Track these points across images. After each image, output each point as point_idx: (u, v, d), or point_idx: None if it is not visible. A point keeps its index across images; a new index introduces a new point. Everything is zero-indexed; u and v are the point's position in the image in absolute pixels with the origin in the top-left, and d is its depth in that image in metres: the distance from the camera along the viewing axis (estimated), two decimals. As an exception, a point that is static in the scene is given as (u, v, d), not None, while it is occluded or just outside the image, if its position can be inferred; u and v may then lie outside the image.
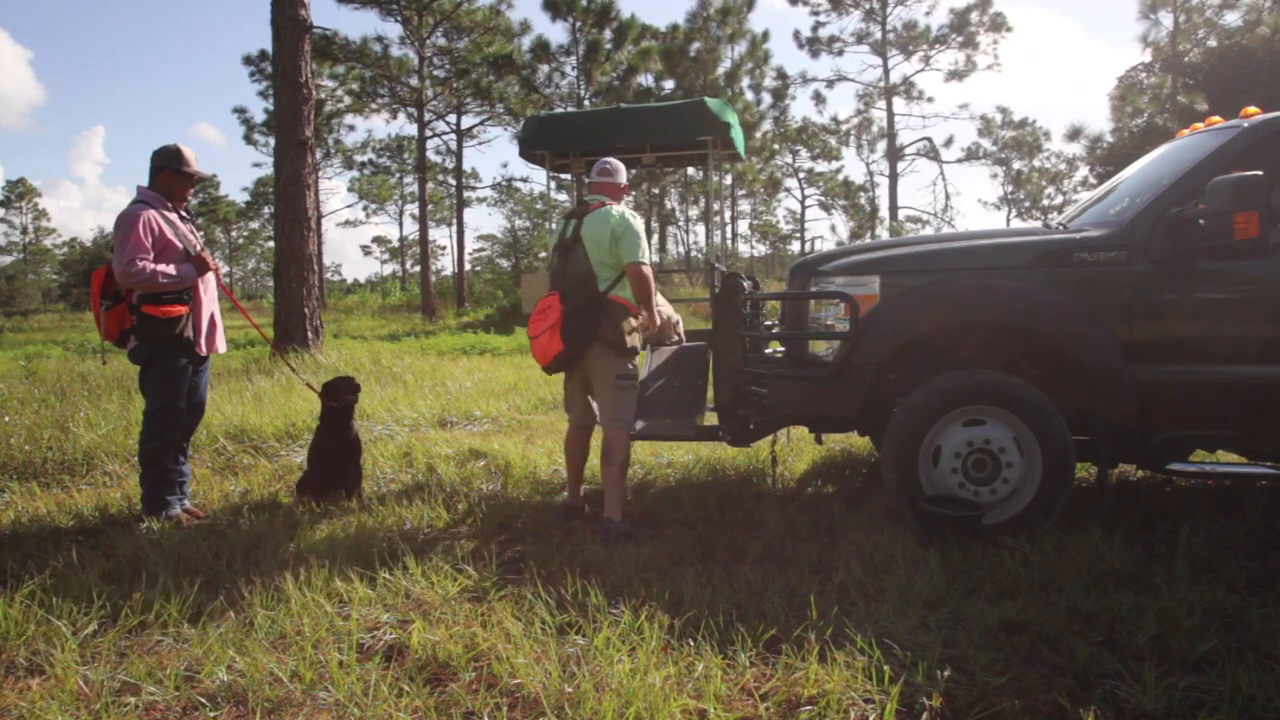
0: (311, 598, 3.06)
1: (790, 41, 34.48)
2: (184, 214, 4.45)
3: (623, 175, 4.29)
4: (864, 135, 36.74)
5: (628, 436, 4.09)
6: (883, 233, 35.51)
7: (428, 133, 29.32)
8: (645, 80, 27.53)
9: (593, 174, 4.29)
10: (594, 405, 4.20)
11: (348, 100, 29.82)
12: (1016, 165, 39.34)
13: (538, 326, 4.00)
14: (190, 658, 2.66)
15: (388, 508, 4.33)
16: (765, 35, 30.73)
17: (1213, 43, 27.13)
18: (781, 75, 33.50)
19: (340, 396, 4.62)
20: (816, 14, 33.42)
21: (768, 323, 5.07)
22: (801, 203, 43.35)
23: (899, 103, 34.41)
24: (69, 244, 56.35)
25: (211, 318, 4.46)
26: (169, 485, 4.31)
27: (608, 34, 26.81)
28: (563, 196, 31.87)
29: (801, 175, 41.91)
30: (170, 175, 4.34)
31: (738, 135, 5.83)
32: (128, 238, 4.09)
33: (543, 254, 36.09)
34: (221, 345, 4.57)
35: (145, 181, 4.38)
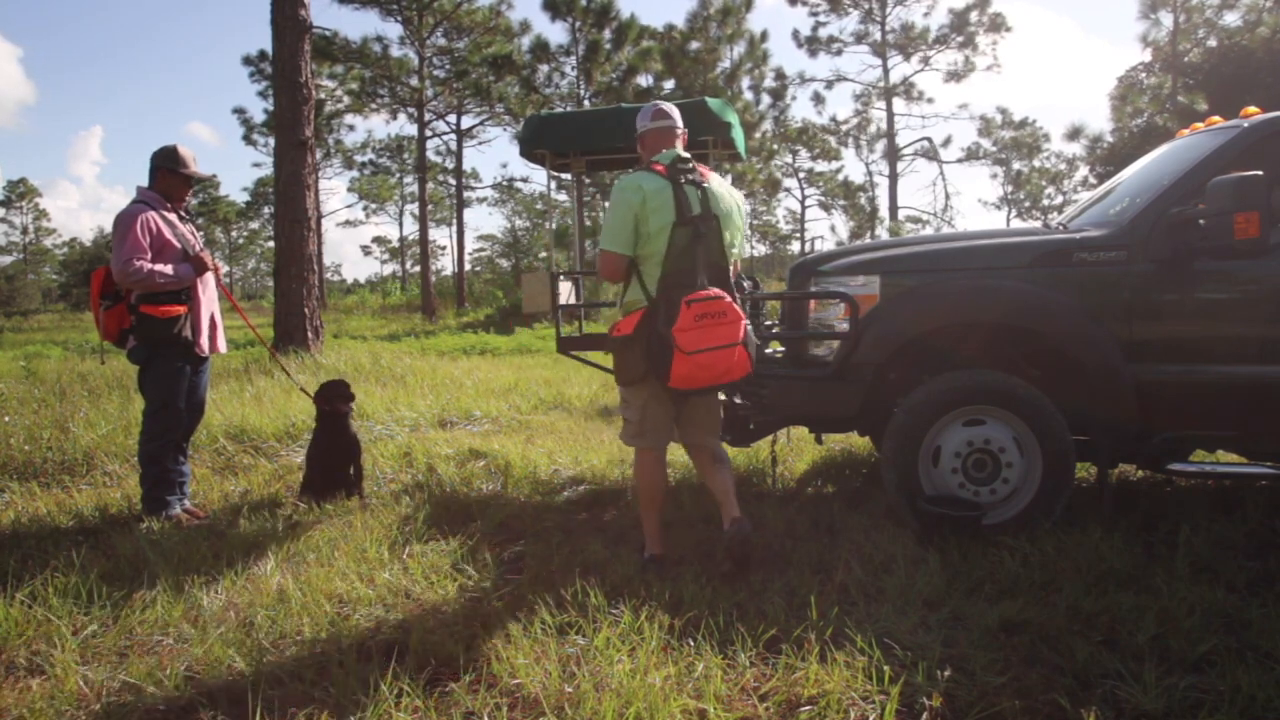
0: (311, 598, 3.06)
1: (789, 42, 34.53)
2: (183, 214, 4.45)
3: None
4: (863, 135, 36.77)
5: None
6: (883, 233, 35.52)
7: (428, 133, 29.34)
8: (645, 80, 27.53)
9: (655, 120, 3.35)
10: (679, 424, 3.47)
11: (348, 100, 29.83)
12: (1016, 165, 39.36)
13: (717, 334, 3.06)
14: (190, 658, 2.65)
15: (388, 508, 4.33)
16: (764, 35, 30.71)
17: (1213, 43, 27.13)
18: (781, 76, 33.51)
19: (333, 402, 4.61)
20: (815, 14, 33.46)
21: (768, 323, 5.07)
22: (801, 203, 43.36)
23: (898, 103, 34.44)
24: (69, 244, 56.39)
25: (211, 318, 4.46)
26: (169, 485, 4.31)
27: (607, 34, 26.80)
28: (563, 196, 31.88)
29: (801, 175, 41.92)
30: (168, 176, 4.35)
31: (738, 135, 5.83)
32: (125, 238, 4.10)
33: (543, 254, 36.10)
34: (222, 345, 4.57)
35: (144, 181, 4.40)
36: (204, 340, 4.39)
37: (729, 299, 3.14)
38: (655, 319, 3.12)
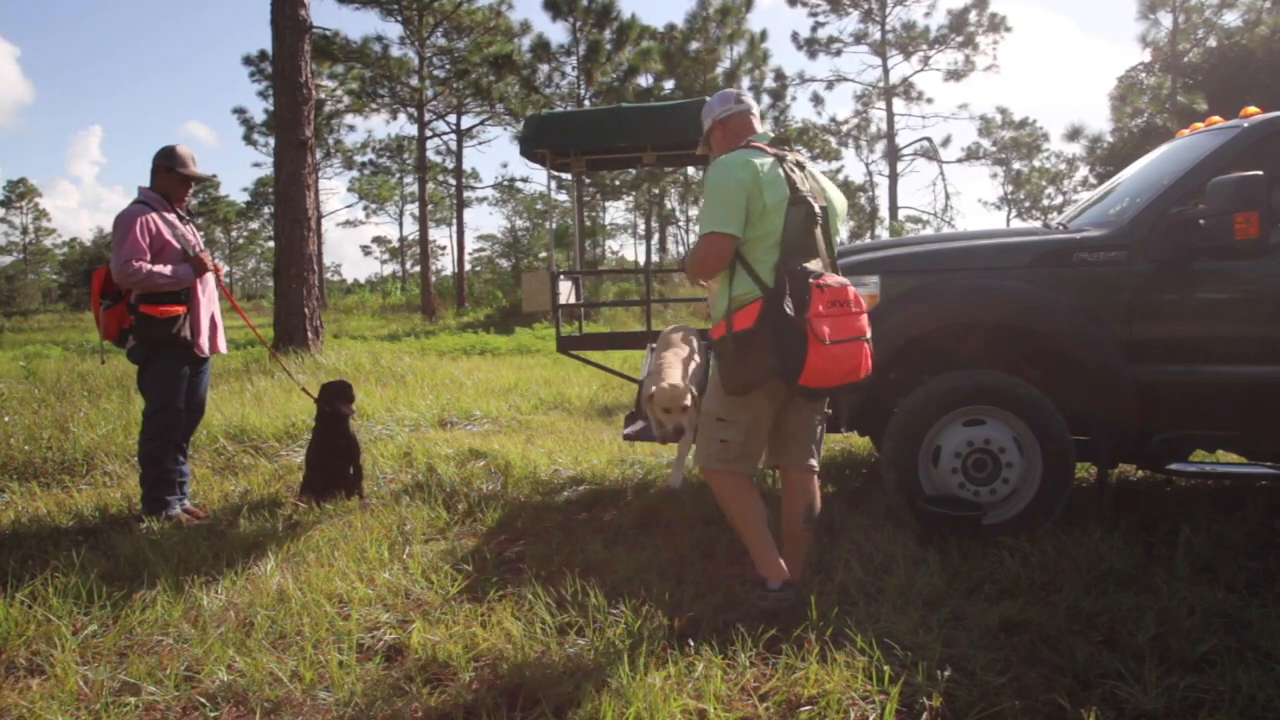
0: (311, 598, 3.06)
1: (789, 42, 34.55)
2: (183, 214, 4.45)
3: None
4: (863, 135, 36.76)
5: None
6: (883, 233, 35.51)
7: (428, 133, 29.34)
8: (645, 80, 27.55)
9: (738, 105, 3.10)
10: (786, 441, 3.06)
11: (348, 100, 29.83)
12: (1016, 165, 39.37)
13: (850, 324, 2.78)
14: (190, 658, 2.66)
15: (388, 508, 4.33)
16: (764, 35, 30.72)
17: (1212, 43, 27.12)
18: (780, 76, 33.51)
19: (334, 403, 4.60)
20: (815, 14, 33.44)
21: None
22: (801, 203, 43.27)
23: (898, 103, 34.43)
24: (69, 244, 56.40)
25: (212, 318, 4.46)
26: (169, 485, 4.31)
27: (608, 34, 26.83)
28: (563, 196, 31.88)
29: (801, 175, 41.84)
30: (167, 176, 4.36)
31: (738, 135, 5.82)
32: (124, 238, 4.11)
33: (543, 254, 36.08)
34: (222, 346, 4.57)
35: (145, 181, 4.41)
36: (204, 340, 4.38)
37: (852, 289, 2.85)
38: (779, 307, 2.73)
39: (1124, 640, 2.63)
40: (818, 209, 2.88)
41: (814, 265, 2.82)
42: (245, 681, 2.49)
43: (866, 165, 41.29)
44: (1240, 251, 3.38)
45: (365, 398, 7.12)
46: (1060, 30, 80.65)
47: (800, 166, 2.94)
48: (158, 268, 4.16)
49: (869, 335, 2.87)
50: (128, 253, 4.09)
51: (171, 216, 4.33)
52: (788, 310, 2.71)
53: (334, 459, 4.56)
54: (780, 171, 2.84)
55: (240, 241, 60.41)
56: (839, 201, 3.06)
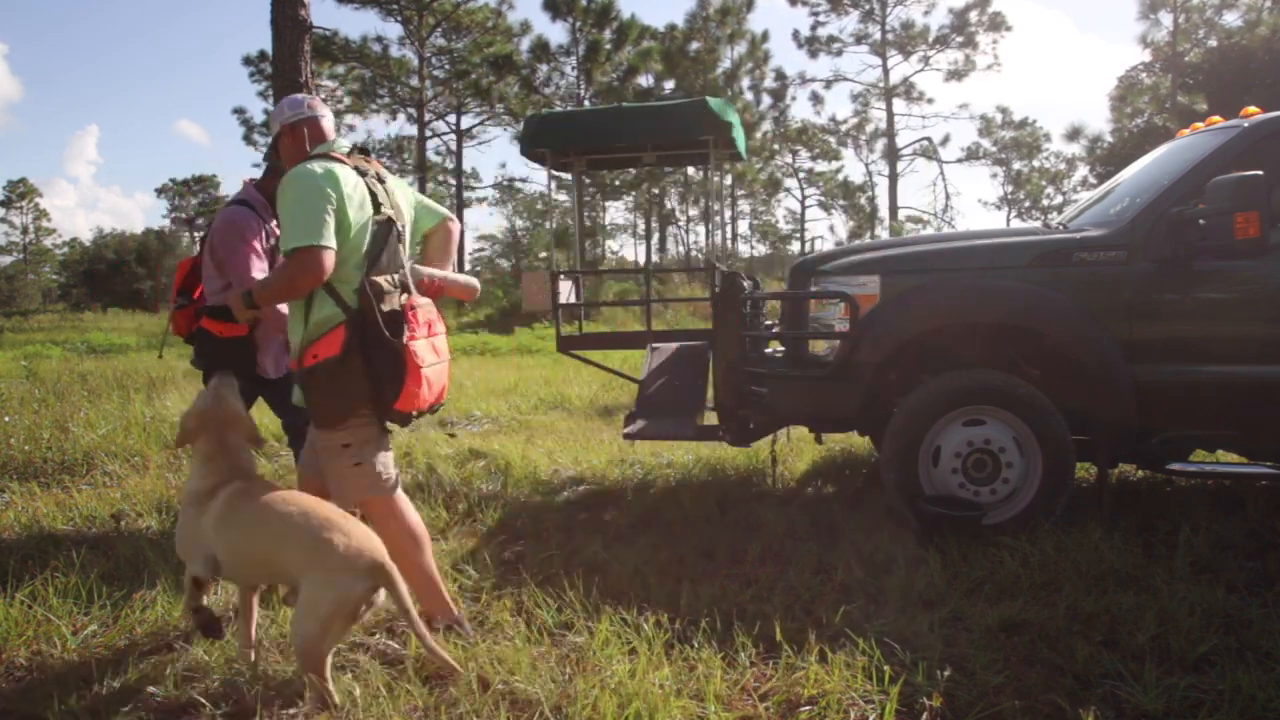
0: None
1: (790, 42, 34.53)
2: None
3: None
4: (863, 135, 36.77)
5: None
6: (883, 233, 35.51)
7: (427, 133, 29.37)
8: (645, 80, 27.56)
9: (313, 110, 2.93)
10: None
11: (348, 100, 29.83)
12: (1016, 165, 39.35)
13: (441, 348, 2.84)
14: (190, 658, 2.65)
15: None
16: (765, 35, 30.81)
17: (1213, 43, 27.14)
18: (781, 76, 33.53)
19: None
20: (815, 14, 33.45)
21: (768, 323, 5.08)
22: (801, 203, 43.31)
23: (898, 103, 34.44)
24: (69, 244, 56.35)
25: (283, 339, 3.89)
26: None
27: (608, 34, 26.85)
28: (563, 196, 31.86)
29: (801, 175, 41.89)
30: (278, 179, 3.90)
31: (739, 135, 5.83)
32: (236, 253, 3.56)
33: (543, 254, 36.07)
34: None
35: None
36: (269, 361, 3.82)
37: (435, 310, 2.80)
38: (368, 331, 2.60)
39: (1124, 640, 2.62)
40: (400, 226, 2.78)
41: (402, 285, 2.72)
42: (245, 681, 2.49)
43: (866, 165, 41.18)
44: (1240, 251, 3.39)
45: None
46: (1057, 28, 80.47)
47: (381, 180, 2.81)
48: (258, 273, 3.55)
49: (449, 358, 2.84)
50: (251, 268, 3.51)
51: (273, 225, 3.80)
52: (384, 334, 2.58)
53: None
54: (364, 186, 2.71)
55: (240, 241, 60.27)
56: (416, 215, 2.96)
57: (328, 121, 2.94)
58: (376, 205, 2.70)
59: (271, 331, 3.70)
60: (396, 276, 2.72)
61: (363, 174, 2.73)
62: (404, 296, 2.70)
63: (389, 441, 2.83)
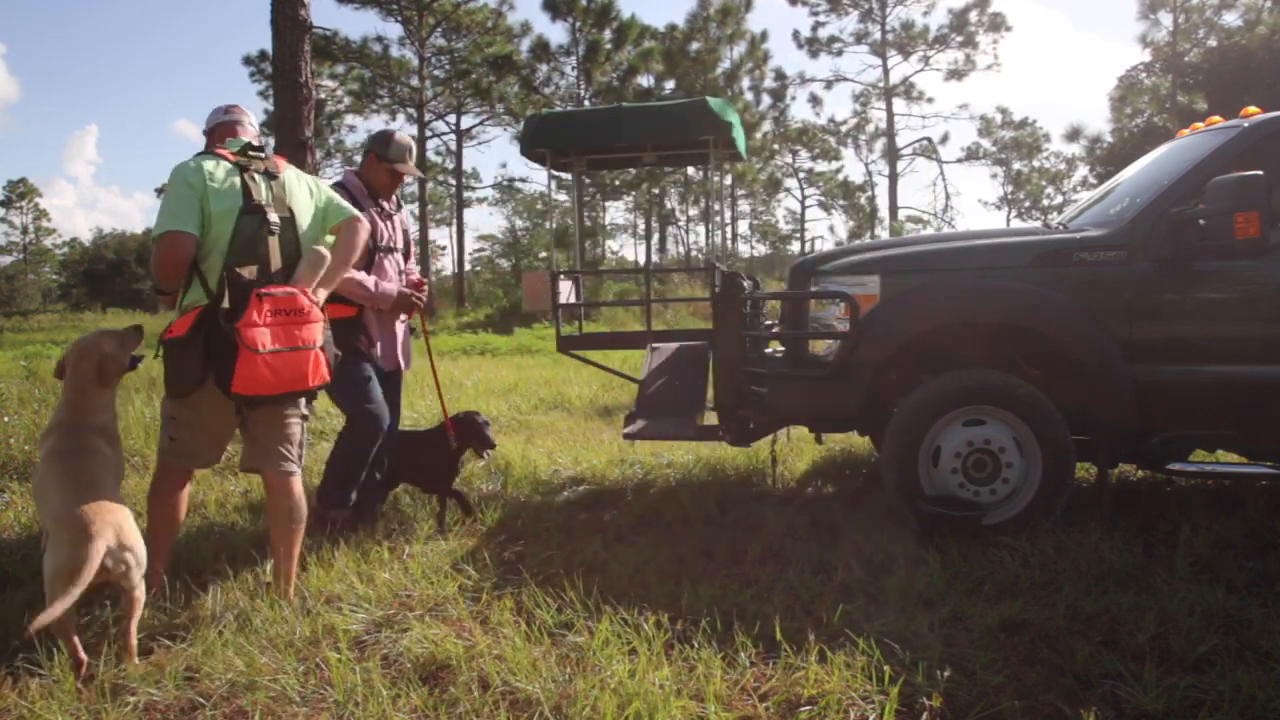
0: (311, 598, 3.06)
1: (790, 42, 34.54)
2: (387, 207, 3.95)
3: None
4: (863, 135, 36.77)
5: None
6: (882, 233, 35.52)
7: (428, 133, 29.33)
8: (646, 80, 27.57)
9: (224, 116, 3.26)
10: (251, 446, 3.20)
11: (348, 100, 29.81)
12: (1016, 165, 39.36)
13: (295, 335, 2.94)
14: (190, 658, 2.65)
15: (388, 508, 4.33)
16: (764, 35, 30.79)
17: (1212, 43, 27.16)
18: (781, 76, 33.53)
19: (469, 440, 4.22)
20: (815, 14, 33.46)
21: (768, 323, 5.08)
22: (801, 203, 43.32)
23: (898, 103, 34.44)
24: (69, 244, 56.36)
25: (395, 331, 4.07)
26: (347, 485, 3.86)
27: (608, 34, 26.85)
28: (563, 196, 31.86)
29: (801, 175, 41.91)
30: (378, 166, 3.89)
31: (739, 135, 5.83)
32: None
33: (543, 254, 36.10)
34: (404, 361, 4.17)
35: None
36: (380, 352, 3.89)
37: (303, 298, 2.92)
38: (215, 315, 2.81)
39: (1124, 640, 2.62)
40: (274, 219, 2.96)
41: (257, 274, 2.89)
42: (245, 681, 2.49)
43: (866, 165, 41.23)
44: (1240, 251, 3.39)
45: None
46: (1057, 28, 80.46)
47: (270, 175, 3.00)
48: (357, 275, 3.61)
49: (319, 344, 2.94)
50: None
51: (373, 212, 3.83)
52: (219, 319, 2.79)
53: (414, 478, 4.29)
54: (236, 180, 2.91)
55: (240, 241, 60.24)
56: (316, 210, 3.12)
57: (240, 125, 3.23)
58: (248, 198, 2.90)
59: (387, 324, 3.95)
60: (258, 268, 2.92)
61: (244, 169, 2.95)
62: (257, 286, 2.84)
63: (215, 432, 3.13)
